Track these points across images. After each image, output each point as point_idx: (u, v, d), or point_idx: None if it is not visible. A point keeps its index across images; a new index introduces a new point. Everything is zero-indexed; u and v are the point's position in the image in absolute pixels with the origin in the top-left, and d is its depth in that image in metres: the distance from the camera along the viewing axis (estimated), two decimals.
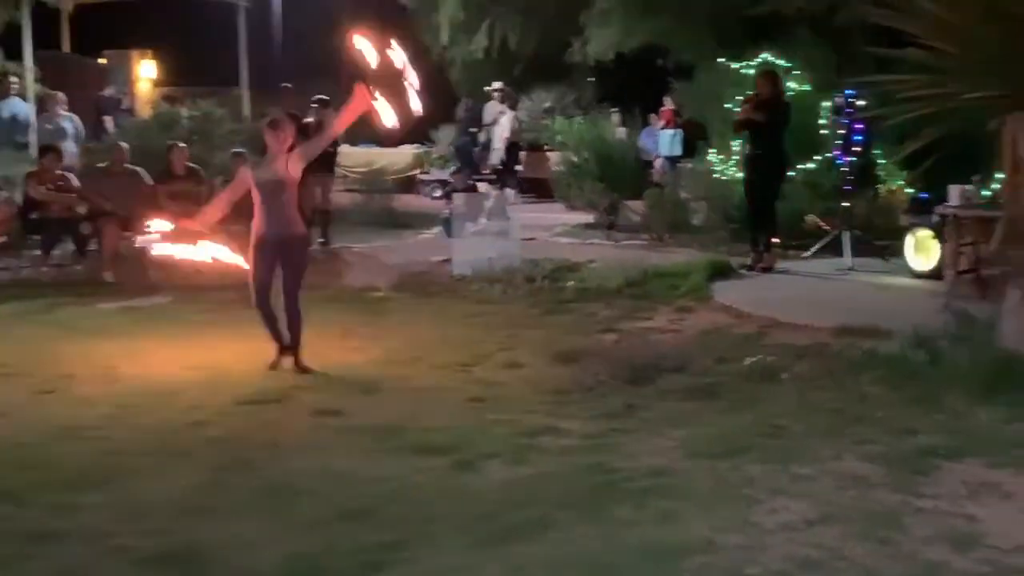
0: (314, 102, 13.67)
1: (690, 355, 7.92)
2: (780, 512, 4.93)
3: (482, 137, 20.00)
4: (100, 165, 12.49)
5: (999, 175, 8.84)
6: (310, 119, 13.36)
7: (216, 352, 8.16)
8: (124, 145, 12.80)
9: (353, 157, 20.79)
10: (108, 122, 18.40)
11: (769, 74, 11.91)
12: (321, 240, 13.30)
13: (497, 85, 19.73)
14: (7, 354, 8.20)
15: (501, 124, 18.92)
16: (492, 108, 19.78)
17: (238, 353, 8.03)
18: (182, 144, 12.68)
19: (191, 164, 12.43)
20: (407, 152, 22.49)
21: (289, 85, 13.33)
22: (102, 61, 23.65)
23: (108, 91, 20.89)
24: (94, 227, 11.71)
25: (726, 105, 13.66)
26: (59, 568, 4.46)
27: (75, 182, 12.11)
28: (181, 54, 26.20)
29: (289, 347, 7.63)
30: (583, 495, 5.17)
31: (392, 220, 16.21)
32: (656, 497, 5.11)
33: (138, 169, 12.31)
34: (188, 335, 8.79)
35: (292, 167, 7.59)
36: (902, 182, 12.75)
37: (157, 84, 24.09)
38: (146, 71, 23.68)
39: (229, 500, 5.18)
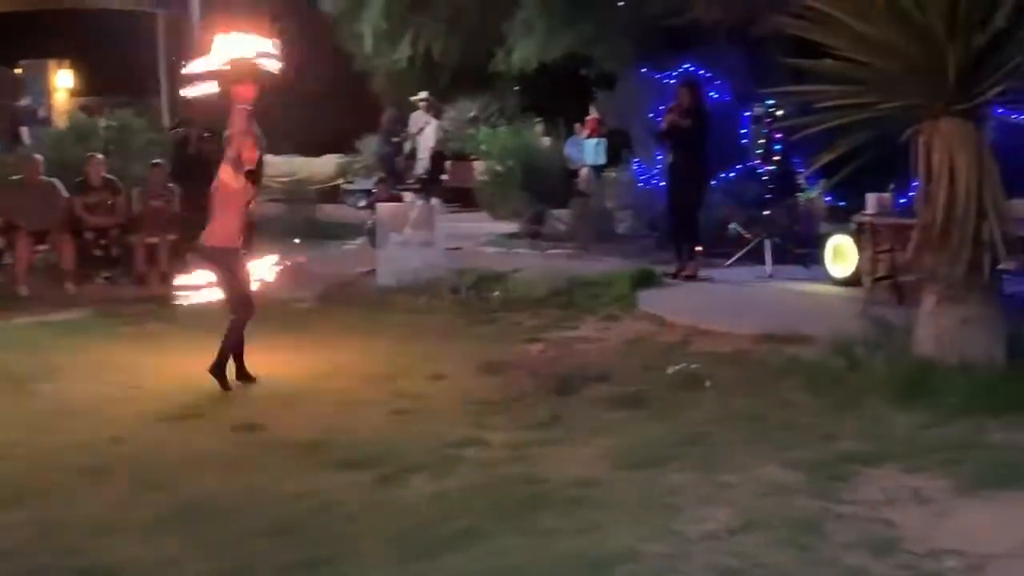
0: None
1: (615, 364, 7.97)
2: (704, 521, 4.97)
3: (407, 147, 19.93)
4: (14, 177, 12.23)
5: (914, 183, 9.01)
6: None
7: (135, 366, 8.04)
8: (38, 157, 12.55)
9: (275, 167, 20.59)
10: (24, 133, 18.05)
11: (690, 84, 12.03)
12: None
13: (423, 95, 19.66)
14: None
15: (426, 134, 18.86)
16: (417, 118, 19.71)
17: (157, 367, 7.92)
18: (99, 155, 12.46)
19: (108, 175, 12.23)
20: (330, 161, 22.35)
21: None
22: (17, 71, 23.20)
23: (24, 101, 20.50)
24: (7, 240, 11.47)
25: (648, 114, 13.77)
26: None
27: None
28: (99, 64, 25.77)
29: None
30: (509, 506, 5.17)
31: (316, 230, 16.09)
32: (582, 507, 5.13)
33: (54, 181, 12.07)
34: (106, 350, 8.64)
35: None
36: (820, 190, 12.93)
37: (74, 94, 23.69)
38: (63, 81, 23.27)
39: (149, 518, 5.10)
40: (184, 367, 7.72)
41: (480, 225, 16.87)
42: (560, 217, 15.48)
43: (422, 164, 18.70)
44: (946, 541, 4.66)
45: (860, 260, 10.27)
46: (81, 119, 16.47)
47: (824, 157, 7.84)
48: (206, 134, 12.63)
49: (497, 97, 22.60)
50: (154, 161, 12.88)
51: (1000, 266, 7.10)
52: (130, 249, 11.83)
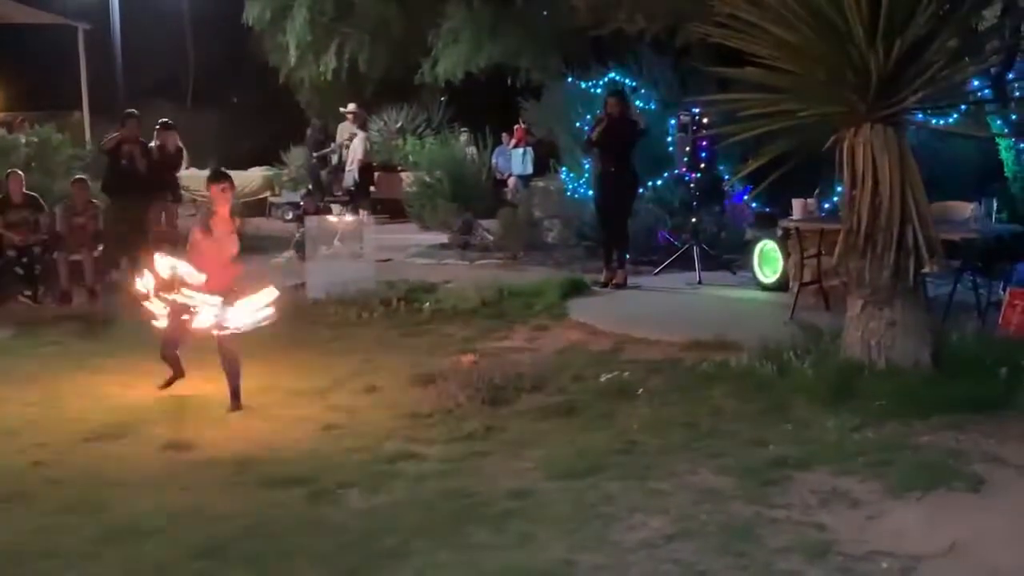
0: (157, 125, 13.32)
1: (547, 374, 7.93)
2: (638, 529, 4.96)
3: (334, 159, 19.82)
4: None
5: (839, 188, 9.11)
6: (153, 143, 13.02)
7: (58, 387, 7.84)
8: None
9: (200, 180, 20.33)
10: None
11: (617, 93, 12.07)
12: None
13: (351, 107, 19.59)
14: None
15: (354, 146, 18.78)
16: (344, 129, 19.62)
17: (82, 388, 7.73)
18: (19, 172, 12.19)
19: (30, 192, 11.96)
20: (257, 175, 22.13)
21: (135, 111, 12.95)
22: None
23: None
24: None
25: (575, 124, 13.80)
26: None
27: None
28: (18, 77, 25.32)
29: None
30: (443, 521, 5.11)
31: (243, 244, 15.84)
32: (516, 520, 5.09)
33: None
34: (29, 370, 8.41)
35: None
36: (747, 197, 13.04)
37: None
38: None
39: (74, 543, 4.96)
40: (109, 386, 7.56)
41: (409, 236, 16.79)
42: (489, 227, 15.45)
43: (351, 176, 18.61)
44: (879, 543, 4.71)
45: (787, 265, 10.37)
46: (1, 135, 16.14)
47: (750, 165, 7.90)
48: (142, 147, 12.45)
49: (424, 108, 22.58)
50: (77, 176, 12.63)
51: (924, 270, 7.18)
52: (53, 267, 11.57)
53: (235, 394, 7.27)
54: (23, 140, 14.66)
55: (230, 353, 7.26)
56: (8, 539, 5.01)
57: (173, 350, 7.58)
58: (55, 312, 10.98)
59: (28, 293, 11.48)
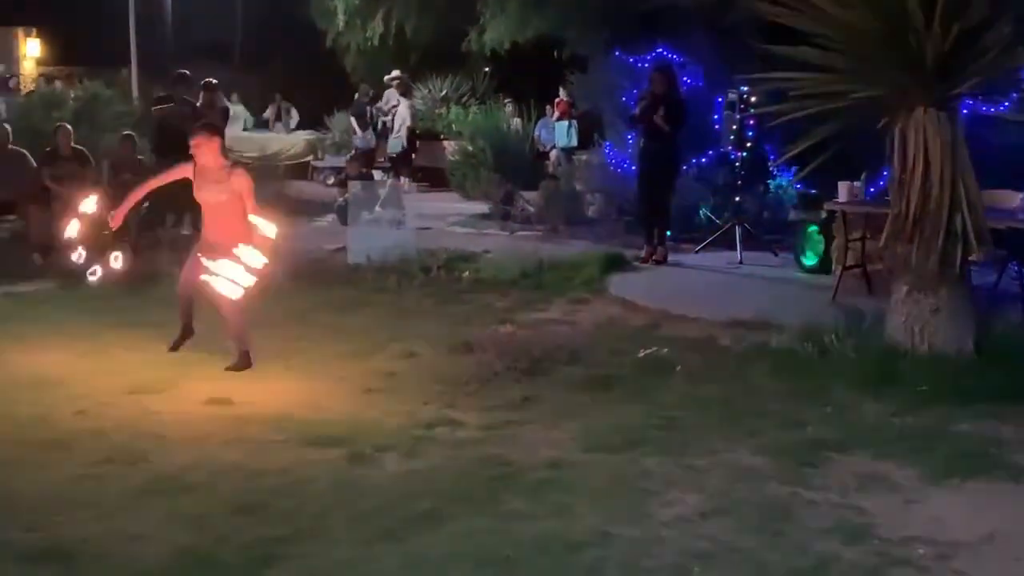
0: (202, 85, 13.34)
1: (585, 347, 7.92)
2: (674, 504, 4.95)
3: (378, 125, 19.83)
4: None
5: (886, 172, 9.01)
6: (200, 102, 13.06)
7: (103, 340, 7.90)
8: (6, 127, 12.34)
9: (245, 142, 20.43)
10: (2, 104, 17.74)
11: (663, 70, 11.96)
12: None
13: (395, 74, 19.56)
14: None
15: (401, 112, 18.79)
16: (389, 96, 19.61)
17: (125, 341, 7.79)
18: (67, 126, 12.27)
19: (77, 146, 12.03)
20: (300, 138, 22.19)
21: (186, 72, 13.00)
22: None
23: None
24: None
25: (621, 98, 13.71)
26: None
27: None
28: (68, 33, 25.43)
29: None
30: (478, 488, 5.12)
31: (286, 207, 15.89)
32: (551, 490, 5.10)
33: (22, 151, 11.88)
34: (74, 322, 8.48)
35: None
36: (792, 177, 12.93)
37: (42, 63, 23.36)
38: (31, 49, 22.94)
39: (114, 494, 5.02)
40: (152, 341, 7.60)
41: (450, 205, 16.76)
42: (530, 199, 15.41)
43: (398, 142, 18.62)
44: (916, 529, 4.68)
45: (830, 248, 10.27)
46: (46, 89, 16.27)
47: (798, 146, 7.82)
48: (191, 107, 12.49)
49: (469, 77, 22.48)
50: (125, 132, 12.70)
51: (971, 257, 7.10)
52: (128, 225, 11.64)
53: (241, 353, 7.28)
54: (72, 95, 14.74)
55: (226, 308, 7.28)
56: (49, 487, 5.07)
57: (188, 293, 7.53)
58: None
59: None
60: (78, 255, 7.81)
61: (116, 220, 7.52)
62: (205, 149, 7.40)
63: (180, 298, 7.58)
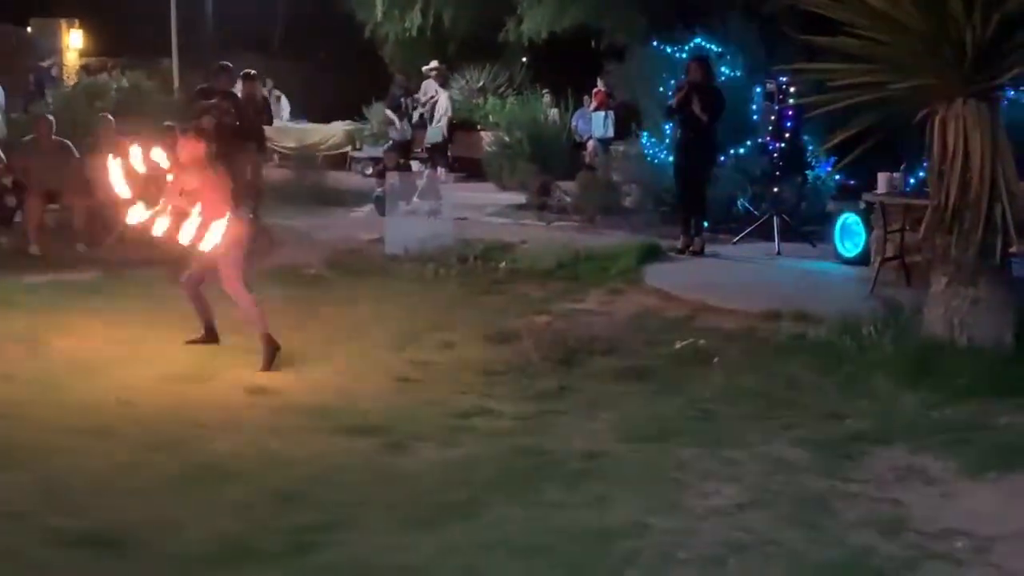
0: (242, 76, 13.40)
1: (622, 337, 7.92)
2: (710, 496, 4.95)
3: (415, 115, 19.85)
4: (26, 138, 12.18)
5: (925, 163, 8.93)
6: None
7: (145, 328, 7.96)
8: (50, 117, 12.46)
9: (283, 134, 20.53)
10: (49, 95, 17.91)
11: (700, 60, 11.91)
12: (251, 217, 13.08)
13: (433, 64, 19.58)
14: None
15: (441, 102, 18.82)
16: (428, 87, 19.64)
17: (168, 329, 7.86)
18: (110, 116, 12.38)
19: (120, 137, 12.13)
20: (339, 128, 22.26)
21: (228, 64, 13.09)
22: (28, 30, 23.08)
23: (47, 62, 20.45)
24: (19, 199, 11.43)
25: (659, 88, 13.66)
26: None
27: None
28: (109, 24, 25.64)
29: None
30: (515, 477, 5.14)
31: (324, 197, 15.99)
32: (588, 480, 5.11)
33: (66, 142, 12.00)
34: (117, 311, 8.55)
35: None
36: (830, 168, 12.85)
37: (84, 54, 23.57)
38: (74, 40, 23.15)
39: (156, 480, 5.08)
40: (195, 330, 7.66)
41: (487, 195, 16.76)
42: (567, 189, 15.39)
43: (438, 131, 18.65)
44: (954, 522, 4.65)
45: (869, 240, 10.20)
46: (87, 79, 16.41)
47: (836, 136, 7.76)
48: (232, 100, 12.56)
49: (506, 67, 22.47)
50: (166, 123, 12.78)
51: (1012, 249, 7.03)
52: None
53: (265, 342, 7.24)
54: (114, 85, 14.86)
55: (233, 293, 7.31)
56: (93, 473, 5.13)
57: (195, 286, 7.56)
58: (143, 255, 11.15)
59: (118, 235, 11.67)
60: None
61: (147, 226, 7.50)
62: (182, 145, 7.41)
63: (189, 296, 7.58)
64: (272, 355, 7.15)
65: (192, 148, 7.41)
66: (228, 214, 7.19)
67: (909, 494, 4.96)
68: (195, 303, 7.61)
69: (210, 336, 7.62)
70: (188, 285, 7.56)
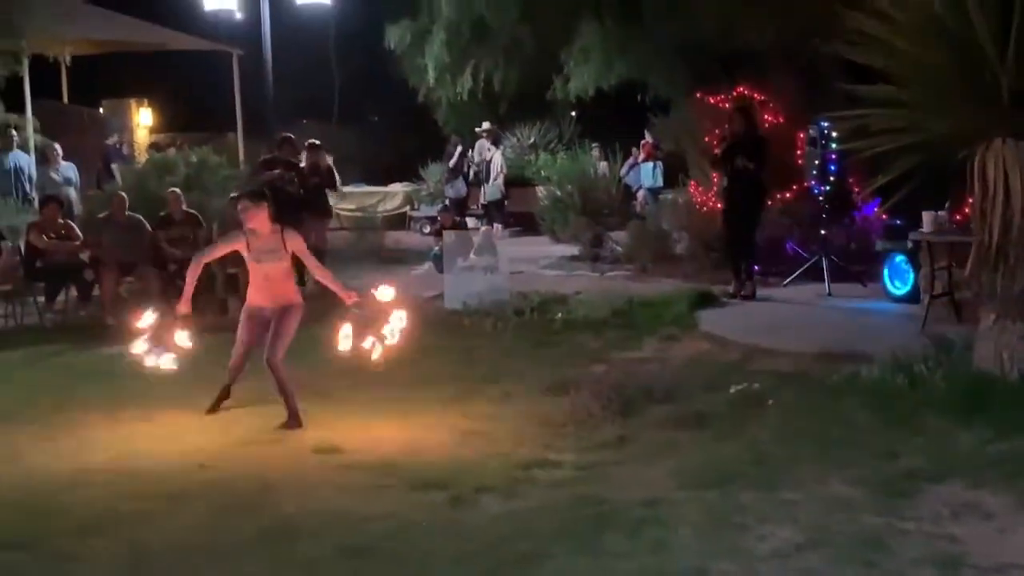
0: (306, 146, 13.63)
1: (677, 384, 7.90)
2: (769, 538, 4.92)
3: (471, 174, 20.09)
4: (101, 215, 12.51)
5: (970, 201, 8.86)
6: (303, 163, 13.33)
7: (215, 392, 8.07)
8: (123, 194, 12.78)
9: (345, 198, 20.81)
10: (116, 171, 18.33)
11: (742, 109, 11.96)
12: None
13: (486, 125, 19.84)
14: (14, 400, 8.19)
15: (496, 161, 19.04)
16: (482, 146, 19.87)
17: (240, 393, 7.97)
18: (178, 190, 12.67)
19: (189, 209, 12.42)
20: (398, 190, 22.55)
21: (290, 135, 13.36)
22: (100, 110, 23.70)
23: (112, 139, 20.97)
24: (95, 273, 11.71)
25: (704, 138, 13.70)
26: None
27: (76, 231, 12.12)
28: (176, 101, 26.30)
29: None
30: (577, 527, 5.14)
31: (385, 257, 16.17)
32: (649, 527, 5.09)
33: (138, 216, 12.30)
34: (191, 375, 8.67)
35: (290, 243, 7.54)
36: (877, 209, 12.77)
37: (153, 131, 24.13)
38: (144, 118, 23.72)
39: (230, 541, 5.14)
40: (263, 392, 7.78)
41: (541, 249, 16.87)
42: (618, 239, 15.44)
43: (496, 189, 18.84)
44: (1012, 556, 4.60)
45: (918, 278, 10.12)
46: (157, 156, 16.77)
47: (879, 180, 7.75)
48: (296, 169, 12.79)
49: (555, 124, 22.69)
50: (232, 195, 13.04)
51: None
52: (212, 280, 11.97)
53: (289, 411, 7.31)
54: (182, 161, 15.18)
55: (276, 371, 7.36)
56: (175, 536, 5.22)
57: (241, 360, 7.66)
58: (214, 322, 11.35)
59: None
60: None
61: (182, 307, 7.62)
62: (252, 214, 7.49)
63: (234, 363, 7.68)
64: (294, 428, 7.22)
65: (257, 212, 7.51)
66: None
67: (965, 529, 4.90)
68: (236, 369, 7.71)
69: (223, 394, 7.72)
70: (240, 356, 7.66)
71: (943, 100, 7.22)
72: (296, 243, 7.59)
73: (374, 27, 22.17)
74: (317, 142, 13.73)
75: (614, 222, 16.44)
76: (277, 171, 12.57)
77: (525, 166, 21.50)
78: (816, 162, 11.92)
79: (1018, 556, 4.58)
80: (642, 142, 19.34)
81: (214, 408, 7.66)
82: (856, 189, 12.47)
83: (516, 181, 20.62)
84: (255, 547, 5.06)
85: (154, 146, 21.12)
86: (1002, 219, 6.85)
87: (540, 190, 19.75)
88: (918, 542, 4.79)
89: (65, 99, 21.32)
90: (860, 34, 7.29)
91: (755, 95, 13.46)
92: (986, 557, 4.59)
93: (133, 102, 23.46)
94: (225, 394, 7.75)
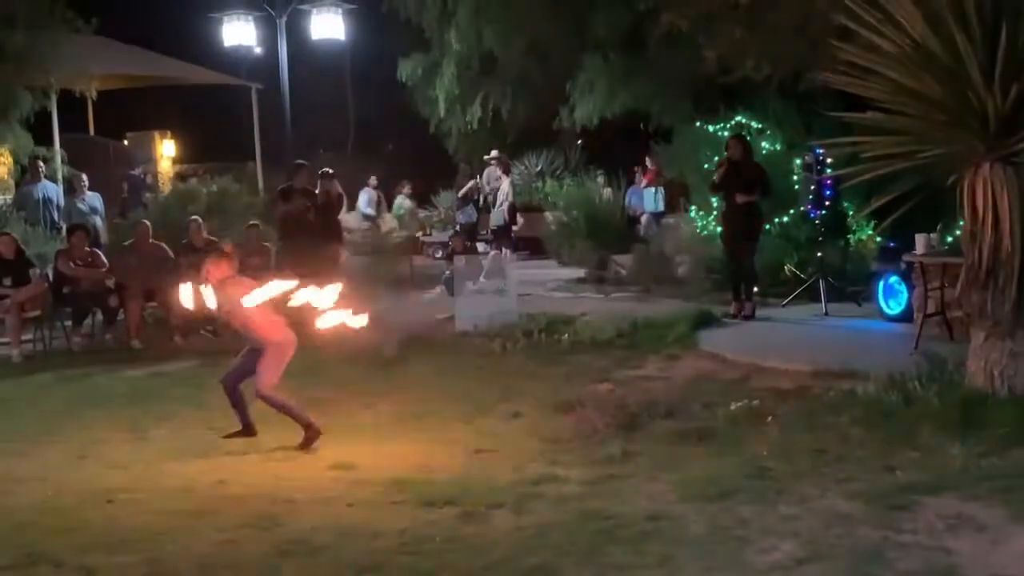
0: (320, 175, 13.66)
1: (680, 401, 7.90)
2: (770, 552, 4.89)
3: (480, 201, 20.10)
4: (126, 243, 12.58)
5: (961, 223, 8.86)
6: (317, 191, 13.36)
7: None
8: (147, 223, 12.85)
9: (356, 221, 20.84)
10: (145, 198, 18.39)
11: (738, 137, 12.00)
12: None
13: (494, 153, 19.87)
14: (43, 421, 8.20)
15: (504, 188, 19.06)
16: (490, 174, 19.90)
17: (258, 411, 7.97)
18: (198, 218, 12.74)
19: (210, 237, 12.45)
20: (388, 217, 22.56)
21: (304, 163, 13.40)
22: (125, 142, 23.84)
23: (137, 170, 21.10)
24: (121, 299, 11.74)
25: (704, 165, 13.72)
26: None
27: (102, 258, 12.17)
28: (198, 133, 26.43)
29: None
30: (584, 542, 5.13)
31: (398, 281, 16.16)
32: (652, 541, 5.08)
33: (162, 244, 12.36)
34: (212, 397, 8.69)
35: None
36: (871, 232, 12.77)
37: (176, 161, 24.25)
38: (167, 150, 23.84)
39: (252, 556, 5.13)
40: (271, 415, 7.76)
41: (548, 272, 16.86)
42: (622, 262, 15.42)
43: (500, 214, 18.85)
44: (1004, 567, 4.58)
45: (911, 298, 10.10)
46: (181, 186, 16.87)
47: (873, 204, 7.75)
48: (310, 195, 12.82)
49: (561, 151, 22.75)
50: (251, 222, 13.09)
51: None
52: None
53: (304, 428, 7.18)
54: (204, 190, 15.26)
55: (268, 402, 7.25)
56: (198, 550, 5.21)
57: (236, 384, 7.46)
58: (234, 344, 11.35)
59: (210, 328, 11.90)
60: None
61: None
62: (214, 271, 7.41)
63: (227, 394, 7.48)
64: (311, 442, 7.15)
65: (217, 268, 7.49)
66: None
67: (960, 542, 4.88)
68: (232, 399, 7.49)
69: (247, 431, 7.45)
70: (229, 382, 7.48)
71: (932, 127, 7.22)
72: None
73: (387, 61, 22.32)
74: (330, 171, 13.76)
75: (618, 245, 16.42)
76: (298, 202, 12.57)
77: (533, 192, 21.53)
78: (812, 187, 11.91)
79: (1010, 567, 4.57)
80: (645, 169, 19.34)
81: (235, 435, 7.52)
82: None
83: (524, 207, 20.64)
84: (275, 561, 5.05)
85: (179, 176, 21.22)
86: (992, 241, 6.83)
87: (547, 215, 19.76)
88: (914, 554, 4.77)
89: (91, 132, 21.45)
90: (851, 64, 7.30)
91: (753, 123, 13.48)
92: (980, 568, 4.57)
93: (156, 134, 23.57)
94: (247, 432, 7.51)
